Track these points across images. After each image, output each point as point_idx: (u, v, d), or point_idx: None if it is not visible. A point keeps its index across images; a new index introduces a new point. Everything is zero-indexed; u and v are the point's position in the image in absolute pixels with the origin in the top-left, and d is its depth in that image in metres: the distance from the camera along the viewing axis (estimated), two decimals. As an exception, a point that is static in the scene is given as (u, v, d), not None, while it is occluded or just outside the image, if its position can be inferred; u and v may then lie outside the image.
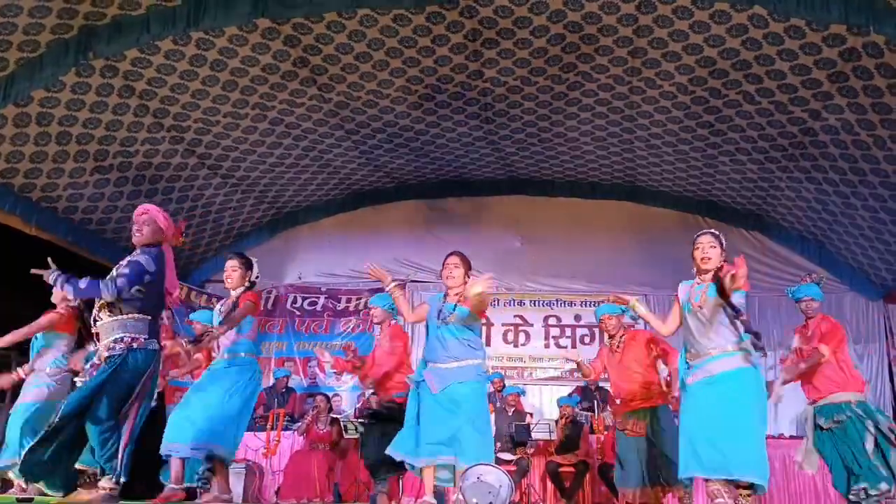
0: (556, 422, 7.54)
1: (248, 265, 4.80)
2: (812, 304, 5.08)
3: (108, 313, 3.56)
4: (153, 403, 3.70)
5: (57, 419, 3.38)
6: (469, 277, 4.31)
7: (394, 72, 7.24)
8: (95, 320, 3.61)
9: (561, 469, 7.09)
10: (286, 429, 7.73)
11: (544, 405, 9.67)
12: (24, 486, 4.68)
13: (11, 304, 5.69)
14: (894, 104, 6.48)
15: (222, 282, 4.90)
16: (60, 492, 3.50)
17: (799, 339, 5.10)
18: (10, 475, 4.95)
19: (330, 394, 8.61)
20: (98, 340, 3.59)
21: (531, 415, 8.20)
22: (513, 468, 6.93)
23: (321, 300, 10.49)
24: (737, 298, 3.69)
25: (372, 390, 5.96)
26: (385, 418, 5.16)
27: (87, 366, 3.50)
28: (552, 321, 10.20)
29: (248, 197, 9.57)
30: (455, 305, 4.22)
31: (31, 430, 5.01)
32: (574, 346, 9.71)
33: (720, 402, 3.64)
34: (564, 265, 10.12)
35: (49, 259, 3.64)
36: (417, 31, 6.62)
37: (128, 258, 3.69)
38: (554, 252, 10.09)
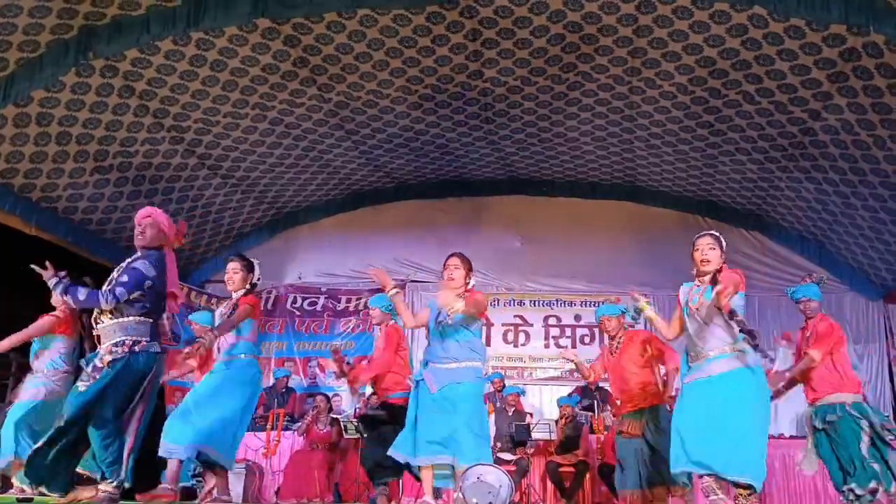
0: (556, 422, 7.54)
1: (249, 267, 4.81)
2: (810, 305, 5.10)
3: (109, 316, 3.57)
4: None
5: (62, 423, 3.38)
6: (470, 279, 4.33)
7: (394, 72, 7.24)
8: (96, 323, 3.61)
9: (561, 469, 7.09)
10: (286, 429, 7.74)
11: (544, 405, 9.67)
12: (24, 487, 4.67)
13: (11, 305, 5.70)
14: (894, 104, 6.48)
15: (222, 282, 4.90)
16: (60, 493, 3.50)
17: (786, 345, 5.16)
18: (15, 480, 4.94)
19: (330, 394, 8.61)
20: (99, 343, 3.59)
21: (531, 415, 8.20)
22: (513, 468, 6.93)
23: (321, 300, 10.49)
24: (736, 300, 3.70)
25: (372, 391, 5.97)
26: (379, 420, 5.17)
27: (90, 369, 3.49)
28: (552, 321, 10.20)
29: (248, 197, 9.57)
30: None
31: (28, 428, 5.02)
32: (574, 347, 9.70)
33: (713, 401, 3.66)
34: (564, 265, 10.12)
35: (47, 263, 3.65)
36: (417, 31, 6.62)
37: (127, 262, 3.69)
38: (554, 252, 10.09)
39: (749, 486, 3.55)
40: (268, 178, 9.23)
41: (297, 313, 10.44)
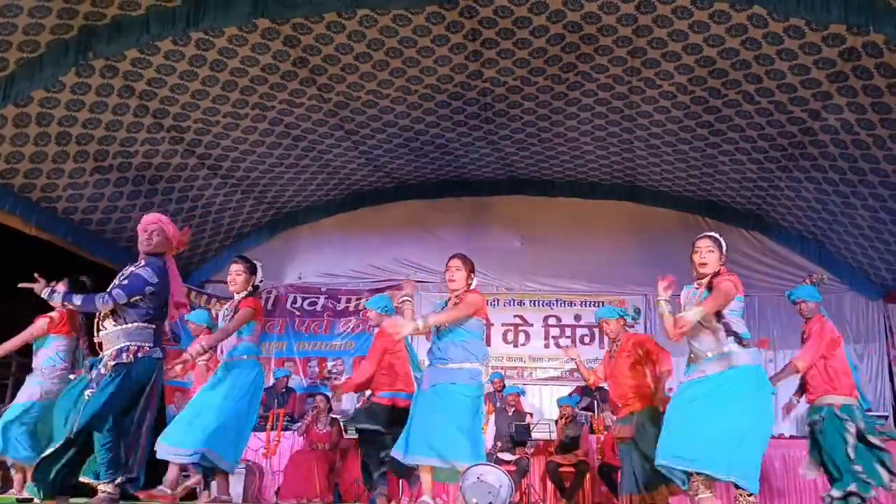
0: (556, 422, 7.54)
1: (252, 270, 4.82)
2: (807, 306, 5.12)
3: (112, 322, 3.61)
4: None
5: (72, 435, 3.42)
6: (472, 279, 4.34)
7: (393, 72, 7.24)
8: (98, 330, 3.64)
9: (561, 469, 7.09)
10: (286, 429, 7.74)
11: (544, 405, 9.67)
12: (33, 496, 4.69)
13: (11, 305, 5.69)
14: (894, 104, 6.48)
15: (222, 282, 4.94)
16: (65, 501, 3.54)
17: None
18: (26, 489, 4.96)
19: (330, 394, 8.61)
20: (101, 350, 3.62)
21: (531, 415, 8.20)
22: (513, 468, 6.93)
23: (321, 300, 10.49)
24: (733, 304, 3.71)
25: (370, 392, 5.97)
26: (369, 421, 5.16)
27: (93, 374, 3.52)
28: (552, 321, 10.21)
29: (248, 197, 9.57)
30: None
31: (22, 427, 5.04)
32: (574, 347, 9.70)
33: (705, 399, 3.66)
34: (564, 265, 10.12)
35: (36, 275, 3.70)
36: (417, 31, 6.62)
37: (131, 268, 3.74)
38: (554, 252, 10.09)
39: (740, 486, 3.56)
40: (268, 178, 9.23)
41: (297, 313, 10.43)
